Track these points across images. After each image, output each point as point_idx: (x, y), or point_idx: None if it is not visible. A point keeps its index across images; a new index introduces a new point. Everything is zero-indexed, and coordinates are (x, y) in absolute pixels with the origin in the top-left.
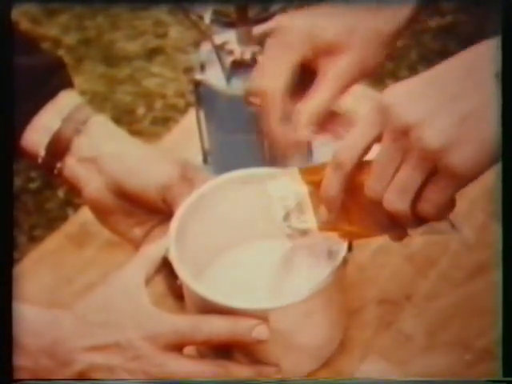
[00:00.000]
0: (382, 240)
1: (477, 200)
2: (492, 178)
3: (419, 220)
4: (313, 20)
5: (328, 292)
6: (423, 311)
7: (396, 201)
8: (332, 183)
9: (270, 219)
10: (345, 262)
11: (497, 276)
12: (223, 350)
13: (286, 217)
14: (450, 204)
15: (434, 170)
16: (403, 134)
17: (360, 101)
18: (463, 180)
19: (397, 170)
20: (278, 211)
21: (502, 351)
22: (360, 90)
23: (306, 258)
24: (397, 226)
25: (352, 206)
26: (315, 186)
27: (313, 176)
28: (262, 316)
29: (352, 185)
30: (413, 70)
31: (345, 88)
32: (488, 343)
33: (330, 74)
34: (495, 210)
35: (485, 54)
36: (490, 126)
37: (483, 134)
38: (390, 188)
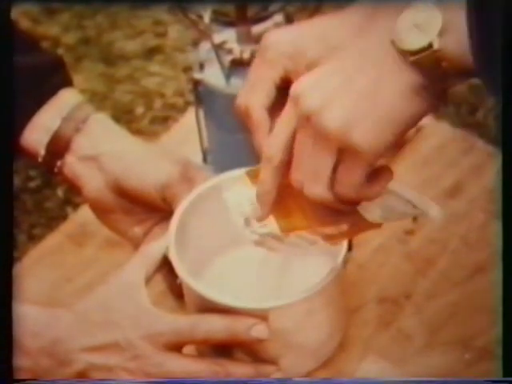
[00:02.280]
0: (381, 239)
1: (477, 200)
2: (492, 177)
3: (349, 204)
4: (296, 38)
5: (328, 291)
6: (423, 310)
7: (312, 187)
8: (263, 178)
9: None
10: (345, 261)
11: (497, 275)
12: (223, 349)
13: (247, 223)
14: (368, 187)
15: (339, 152)
16: (308, 121)
17: None
18: (368, 158)
19: (311, 155)
20: (238, 219)
21: (502, 351)
22: None
23: (305, 257)
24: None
25: (302, 202)
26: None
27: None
28: (261, 315)
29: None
30: None
31: None
32: (488, 342)
33: None
34: (495, 210)
35: (379, 32)
36: (386, 102)
37: (380, 110)
38: (304, 176)
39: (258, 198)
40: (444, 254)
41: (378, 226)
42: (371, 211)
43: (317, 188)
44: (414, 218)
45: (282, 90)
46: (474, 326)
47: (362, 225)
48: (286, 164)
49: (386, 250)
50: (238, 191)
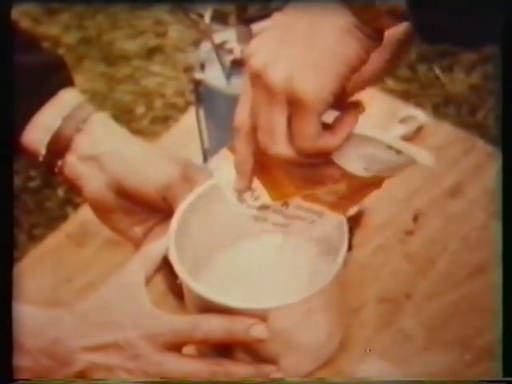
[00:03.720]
0: (382, 239)
1: (477, 200)
2: (492, 177)
3: (315, 157)
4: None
5: (328, 291)
6: (423, 310)
7: (273, 146)
8: (238, 148)
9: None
10: (345, 261)
11: (497, 275)
12: (223, 349)
13: (240, 199)
14: (327, 137)
15: (289, 105)
16: (258, 80)
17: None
18: (314, 105)
19: (265, 114)
20: (231, 196)
21: (502, 351)
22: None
23: (306, 253)
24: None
25: (285, 168)
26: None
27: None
28: (261, 315)
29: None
30: (412, 70)
31: (342, 97)
32: (488, 342)
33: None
34: (495, 210)
35: None
36: (323, 46)
37: (318, 55)
38: (265, 136)
39: (236, 169)
40: (444, 254)
41: (376, 185)
42: (351, 163)
43: (277, 146)
44: (415, 218)
45: None
46: (474, 326)
47: (355, 184)
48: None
49: (386, 250)
50: (226, 169)
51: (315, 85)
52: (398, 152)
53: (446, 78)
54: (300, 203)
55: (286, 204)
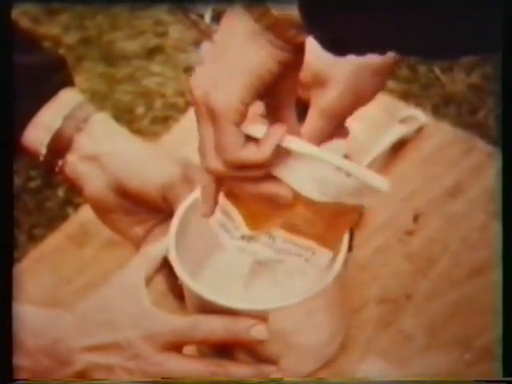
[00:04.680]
0: (382, 240)
1: (477, 200)
2: (492, 177)
3: (247, 170)
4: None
5: (328, 292)
6: (423, 311)
7: (206, 162)
8: (201, 174)
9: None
10: (345, 261)
11: (497, 275)
12: (224, 349)
13: (225, 229)
14: (245, 145)
15: (212, 119)
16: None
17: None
18: (227, 115)
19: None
20: (216, 228)
21: (502, 351)
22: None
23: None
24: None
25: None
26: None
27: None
28: (261, 316)
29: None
30: (412, 70)
31: (336, 118)
32: (488, 343)
33: (320, 106)
34: (495, 210)
35: None
36: (231, 58)
37: (228, 68)
38: (201, 154)
39: (201, 195)
40: (444, 255)
41: (352, 215)
42: (305, 186)
43: (207, 160)
44: (415, 219)
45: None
46: (474, 327)
47: (326, 212)
48: None
49: (387, 251)
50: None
51: (224, 94)
52: (348, 174)
53: (446, 78)
54: (285, 236)
55: (271, 236)
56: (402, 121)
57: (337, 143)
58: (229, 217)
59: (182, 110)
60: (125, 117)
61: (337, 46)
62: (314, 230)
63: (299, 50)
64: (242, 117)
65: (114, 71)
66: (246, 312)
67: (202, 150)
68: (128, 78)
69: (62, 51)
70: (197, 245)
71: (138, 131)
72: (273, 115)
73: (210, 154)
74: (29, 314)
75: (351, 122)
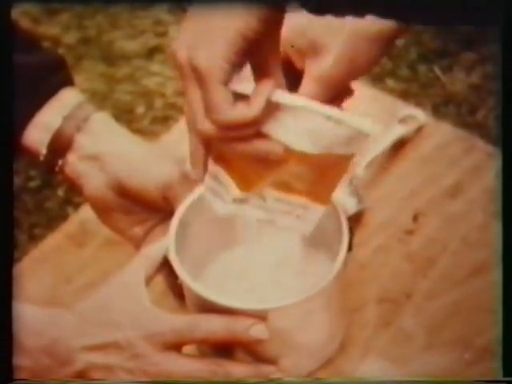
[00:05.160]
0: (382, 239)
1: (477, 200)
2: (492, 177)
3: (240, 129)
4: (297, 18)
5: (328, 291)
6: (423, 310)
7: (197, 125)
8: (189, 139)
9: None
10: (345, 261)
11: (497, 275)
12: (223, 349)
13: (215, 194)
14: (234, 104)
15: (198, 81)
16: (180, 67)
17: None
18: (210, 73)
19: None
20: (208, 196)
21: (502, 350)
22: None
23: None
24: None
25: (244, 158)
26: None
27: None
28: (261, 315)
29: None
30: (412, 69)
31: (331, 86)
32: (488, 342)
33: (315, 73)
34: (495, 210)
35: None
36: (214, 19)
37: (210, 29)
38: (187, 118)
39: (190, 160)
40: (444, 254)
41: (342, 166)
42: (295, 140)
43: (198, 123)
44: (415, 218)
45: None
46: (474, 326)
47: (316, 165)
48: None
49: (386, 250)
50: None
51: (207, 52)
52: (338, 122)
53: (446, 77)
54: (276, 195)
55: (262, 197)
56: (402, 120)
57: None
58: (219, 182)
59: (182, 110)
60: (125, 116)
61: (316, 5)
62: (306, 185)
63: (279, 7)
64: (229, 75)
65: (113, 71)
66: (245, 311)
67: (189, 114)
68: (128, 77)
69: (61, 51)
70: (197, 244)
71: (137, 131)
72: (258, 73)
73: (199, 117)
74: (29, 314)
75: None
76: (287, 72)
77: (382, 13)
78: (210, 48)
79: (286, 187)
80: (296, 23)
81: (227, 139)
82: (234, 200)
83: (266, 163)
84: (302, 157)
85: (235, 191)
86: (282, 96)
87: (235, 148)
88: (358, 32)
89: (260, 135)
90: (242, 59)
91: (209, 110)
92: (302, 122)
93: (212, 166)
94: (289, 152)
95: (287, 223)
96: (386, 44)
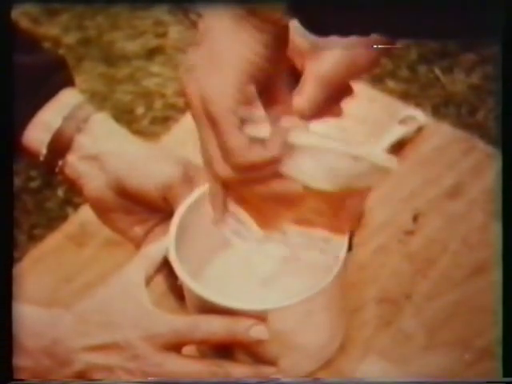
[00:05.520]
0: (382, 239)
1: (477, 200)
2: (492, 178)
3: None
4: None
5: (328, 292)
6: (423, 311)
7: (215, 169)
8: (208, 183)
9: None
10: (345, 261)
11: (497, 276)
12: (223, 350)
13: (237, 234)
14: (251, 146)
15: (212, 124)
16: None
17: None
18: (223, 116)
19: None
20: (232, 236)
21: (502, 351)
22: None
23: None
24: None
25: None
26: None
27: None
28: (261, 316)
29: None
30: (412, 70)
31: (330, 87)
32: (488, 343)
33: (315, 74)
34: (495, 210)
35: None
36: (221, 54)
37: (223, 64)
38: (204, 161)
39: (210, 203)
40: (444, 255)
41: (358, 197)
42: (313, 178)
43: (216, 168)
44: (414, 219)
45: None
46: (473, 327)
47: (333, 200)
48: None
49: (386, 251)
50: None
51: (219, 95)
52: (356, 158)
53: (446, 78)
54: (297, 230)
55: (283, 233)
56: (402, 121)
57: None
58: (240, 222)
59: (182, 111)
60: (125, 117)
61: (320, 27)
62: (325, 219)
63: (284, 31)
64: (240, 104)
65: (113, 71)
66: (245, 312)
67: (206, 158)
68: (128, 78)
69: (61, 51)
70: (197, 245)
71: (137, 131)
72: (266, 96)
73: (216, 161)
74: (29, 314)
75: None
76: (288, 72)
77: (385, 31)
78: (222, 88)
79: (306, 222)
80: (296, 24)
81: (246, 181)
82: (257, 239)
83: (285, 202)
84: (320, 193)
85: (257, 230)
86: (299, 136)
87: (254, 189)
88: None
89: (278, 175)
90: (253, 88)
91: (226, 154)
92: (318, 161)
93: (232, 206)
94: (307, 190)
95: (312, 258)
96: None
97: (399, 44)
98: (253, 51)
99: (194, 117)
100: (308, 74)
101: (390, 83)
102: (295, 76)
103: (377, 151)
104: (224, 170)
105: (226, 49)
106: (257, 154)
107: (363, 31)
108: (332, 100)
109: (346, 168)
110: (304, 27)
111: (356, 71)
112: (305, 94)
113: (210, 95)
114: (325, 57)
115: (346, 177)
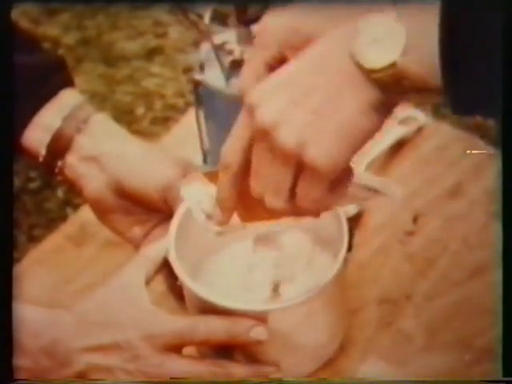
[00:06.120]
0: (382, 240)
1: (477, 201)
2: (492, 177)
3: (310, 215)
4: (290, 16)
5: (328, 292)
6: (423, 311)
7: (273, 201)
8: (222, 185)
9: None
10: (345, 261)
11: (497, 276)
12: (223, 350)
13: (209, 218)
14: (328, 198)
15: (298, 167)
16: (264, 134)
17: None
18: (325, 174)
19: (269, 169)
20: (199, 215)
21: (502, 351)
22: None
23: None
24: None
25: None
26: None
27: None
28: (261, 317)
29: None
30: None
31: None
32: (488, 343)
33: None
34: (495, 211)
35: (338, 42)
36: (344, 118)
37: (337, 127)
38: (264, 189)
39: (219, 204)
40: (444, 255)
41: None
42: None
43: (277, 202)
44: (415, 219)
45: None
46: (474, 327)
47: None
48: (245, 170)
49: (387, 251)
50: (197, 189)
51: (330, 155)
52: (376, 191)
53: None
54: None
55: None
56: (402, 121)
57: None
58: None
59: (182, 111)
60: (124, 117)
61: (467, 107)
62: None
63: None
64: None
65: (113, 72)
66: (245, 313)
67: (268, 187)
68: (128, 78)
69: (61, 52)
70: (197, 245)
71: (137, 132)
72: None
73: (282, 197)
74: (28, 315)
75: None
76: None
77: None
78: (336, 151)
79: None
80: (288, 22)
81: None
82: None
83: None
84: None
85: (236, 221)
86: (363, 179)
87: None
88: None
89: None
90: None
91: (303, 198)
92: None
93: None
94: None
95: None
96: None
97: None
98: (375, 127)
99: (263, 139)
100: None
101: None
102: None
103: (389, 182)
104: (281, 205)
105: (336, 103)
106: (326, 203)
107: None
108: None
109: (362, 197)
110: (450, 106)
111: None
112: None
113: (314, 147)
114: None
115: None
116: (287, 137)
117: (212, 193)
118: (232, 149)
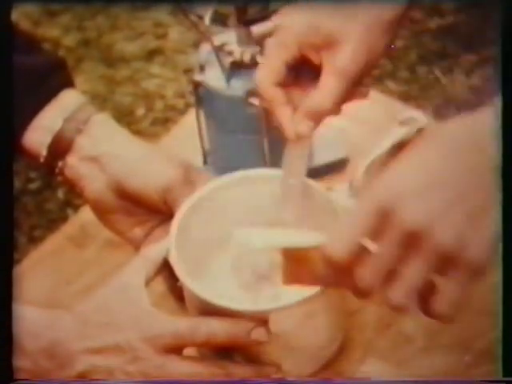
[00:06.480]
0: None
1: None
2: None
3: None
4: (310, 14)
5: (328, 293)
6: None
7: (402, 298)
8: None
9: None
10: None
11: (497, 276)
12: (224, 351)
13: (257, 282)
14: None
15: (445, 266)
16: (411, 234)
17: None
18: (479, 272)
19: (397, 267)
20: (247, 274)
21: (502, 352)
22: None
23: None
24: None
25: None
26: (289, 260)
27: (292, 252)
28: (262, 318)
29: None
30: (412, 71)
31: (351, 78)
32: (488, 344)
33: (334, 67)
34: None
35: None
36: (493, 222)
37: (489, 230)
38: (396, 285)
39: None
40: None
41: None
42: None
43: (408, 300)
44: None
45: (297, 67)
46: (474, 328)
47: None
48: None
49: None
50: (264, 242)
51: (486, 253)
52: None
53: (446, 79)
54: None
55: None
56: (402, 123)
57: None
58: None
59: (182, 112)
60: (125, 118)
61: None
62: None
63: None
64: None
65: (113, 73)
66: (246, 314)
67: (401, 281)
68: (128, 79)
69: (61, 53)
70: (197, 246)
71: (137, 133)
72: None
73: (413, 294)
74: (29, 316)
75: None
76: (305, 69)
77: None
78: (493, 247)
79: None
80: (309, 19)
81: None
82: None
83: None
84: None
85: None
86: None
87: None
88: (373, 22)
89: None
90: None
91: (447, 303)
92: None
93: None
94: None
95: None
96: (396, 31)
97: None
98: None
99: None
100: (326, 68)
101: (390, 84)
102: (313, 72)
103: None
104: (408, 306)
105: (452, 179)
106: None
107: None
108: (348, 98)
109: None
110: None
111: (373, 58)
112: (326, 89)
113: (441, 230)
114: (341, 49)
115: None
116: (445, 236)
117: (274, 260)
118: (343, 240)
